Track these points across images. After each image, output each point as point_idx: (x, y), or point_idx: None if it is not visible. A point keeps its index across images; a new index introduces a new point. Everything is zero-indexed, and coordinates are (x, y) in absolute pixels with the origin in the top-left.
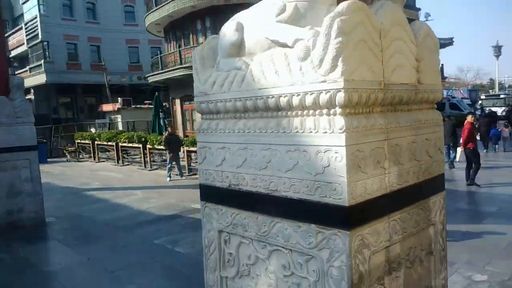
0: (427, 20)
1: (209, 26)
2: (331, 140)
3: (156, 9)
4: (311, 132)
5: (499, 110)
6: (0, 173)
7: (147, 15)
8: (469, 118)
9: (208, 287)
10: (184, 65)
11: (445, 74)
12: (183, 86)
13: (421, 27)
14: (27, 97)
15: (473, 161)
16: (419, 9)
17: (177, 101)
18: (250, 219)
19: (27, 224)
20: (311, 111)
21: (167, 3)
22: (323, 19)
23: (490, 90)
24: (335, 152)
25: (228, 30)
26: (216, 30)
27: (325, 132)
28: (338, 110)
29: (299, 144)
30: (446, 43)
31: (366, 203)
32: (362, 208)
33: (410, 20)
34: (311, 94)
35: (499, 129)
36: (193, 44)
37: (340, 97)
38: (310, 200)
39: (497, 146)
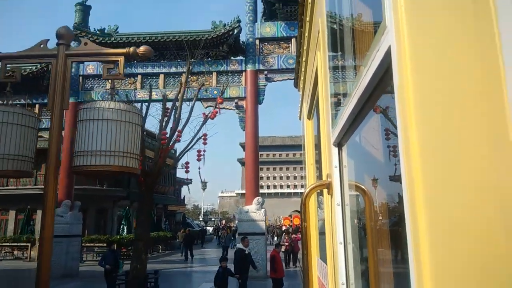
0: None
1: None
2: (260, 226)
3: None
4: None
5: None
6: None
7: None
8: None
9: None
10: None
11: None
12: None
13: None
14: None
15: None
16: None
17: None
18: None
19: None
20: (260, 220)
21: None
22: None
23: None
24: (262, 222)
25: (245, 209)
26: None
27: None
28: (262, 221)
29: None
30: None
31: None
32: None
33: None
34: (259, 218)
35: None
36: None
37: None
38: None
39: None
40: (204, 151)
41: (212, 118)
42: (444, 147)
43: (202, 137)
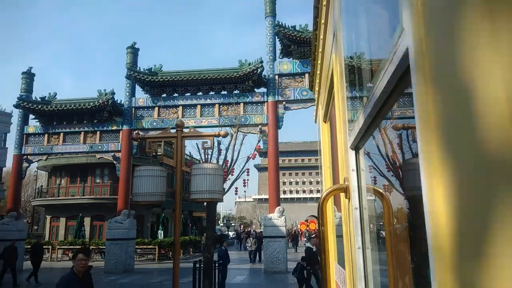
0: None
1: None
2: (281, 231)
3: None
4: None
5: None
6: None
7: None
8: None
9: None
10: None
11: None
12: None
13: None
14: None
15: None
16: None
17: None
18: None
19: None
20: (281, 225)
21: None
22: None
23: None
24: (283, 227)
25: (269, 216)
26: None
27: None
28: (283, 226)
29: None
30: None
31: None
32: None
33: None
34: (280, 224)
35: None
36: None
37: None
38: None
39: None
40: (248, 180)
41: (253, 158)
42: (465, 150)
43: (246, 171)
